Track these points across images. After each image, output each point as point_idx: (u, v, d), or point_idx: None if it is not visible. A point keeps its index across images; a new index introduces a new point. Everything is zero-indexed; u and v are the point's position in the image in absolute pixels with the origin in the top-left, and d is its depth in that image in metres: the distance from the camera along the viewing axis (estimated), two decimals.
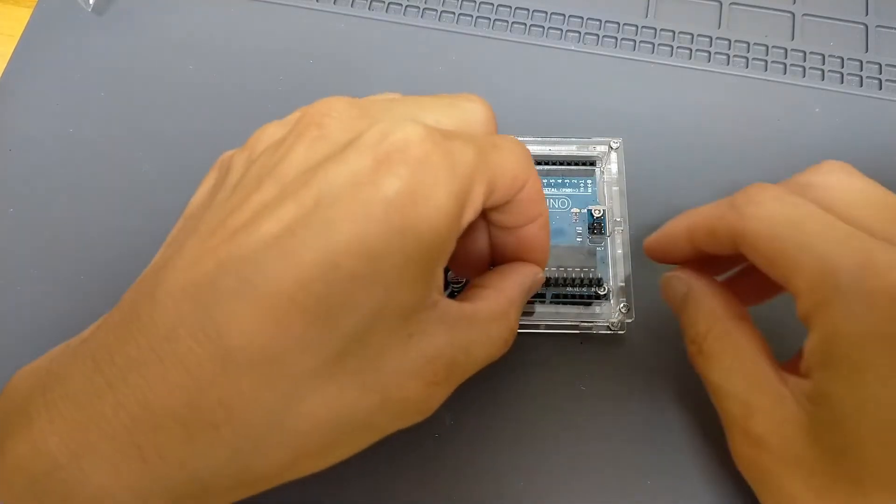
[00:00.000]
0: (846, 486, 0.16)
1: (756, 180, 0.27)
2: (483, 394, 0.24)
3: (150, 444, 0.14)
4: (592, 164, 0.25)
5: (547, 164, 0.25)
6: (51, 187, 0.28)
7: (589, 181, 0.25)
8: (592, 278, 0.24)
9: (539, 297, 0.23)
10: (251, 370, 0.14)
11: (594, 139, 0.25)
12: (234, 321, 0.13)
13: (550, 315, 0.23)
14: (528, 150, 0.18)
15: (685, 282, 0.21)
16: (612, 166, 0.25)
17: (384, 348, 0.15)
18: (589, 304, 0.24)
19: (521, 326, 0.24)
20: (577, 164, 0.25)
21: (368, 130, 0.15)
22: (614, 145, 0.25)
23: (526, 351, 0.24)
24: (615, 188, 0.25)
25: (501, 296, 0.19)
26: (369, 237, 0.14)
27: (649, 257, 0.22)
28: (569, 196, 0.25)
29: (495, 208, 0.18)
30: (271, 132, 0.17)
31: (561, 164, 0.25)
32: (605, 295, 0.23)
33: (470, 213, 0.16)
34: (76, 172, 0.28)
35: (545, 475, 0.23)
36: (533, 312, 0.23)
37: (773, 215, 0.18)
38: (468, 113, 0.18)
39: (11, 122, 0.29)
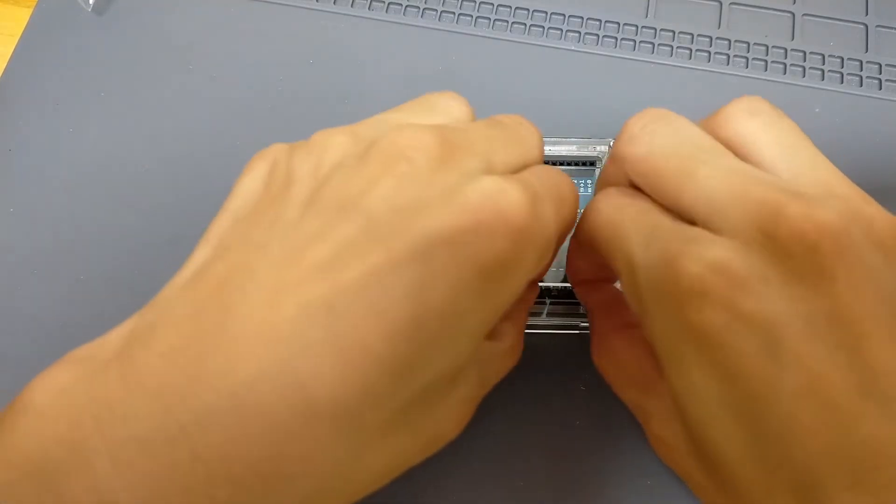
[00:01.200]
0: (713, 467, 0.16)
1: None
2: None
3: (224, 495, 0.13)
4: (592, 164, 0.25)
5: (547, 164, 0.25)
6: (51, 187, 0.28)
7: (589, 181, 0.25)
8: None
9: (539, 297, 0.23)
10: (331, 423, 0.13)
11: (594, 139, 0.25)
12: (318, 372, 0.13)
13: (550, 315, 0.23)
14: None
15: (584, 299, 0.22)
16: None
17: (436, 397, 0.15)
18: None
19: None
20: (577, 164, 0.25)
21: (469, 187, 0.14)
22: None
23: (526, 351, 0.24)
24: None
25: (516, 328, 0.19)
26: (458, 301, 0.14)
27: (573, 285, 0.22)
28: None
29: None
30: (341, 143, 0.16)
31: (561, 164, 0.25)
32: None
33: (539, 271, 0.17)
34: (76, 172, 0.28)
35: (545, 475, 0.23)
36: (541, 314, 0.23)
37: (604, 221, 0.18)
38: (533, 150, 0.18)
39: (11, 122, 0.29)
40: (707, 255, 0.14)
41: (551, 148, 0.25)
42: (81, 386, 0.14)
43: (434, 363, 0.14)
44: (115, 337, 0.15)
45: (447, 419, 0.16)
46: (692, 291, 0.14)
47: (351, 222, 0.14)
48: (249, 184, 0.17)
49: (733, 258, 0.14)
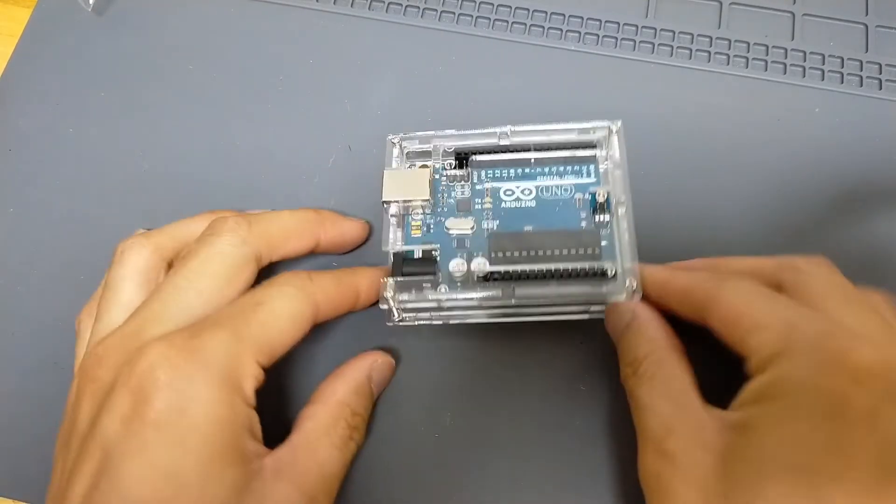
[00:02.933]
0: None
1: (756, 180, 0.27)
2: (482, 394, 0.24)
3: None
4: (593, 147, 0.25)
5: (548, 149, 0.25)
6: (51, 187, 0.28)
7: (591, 167, 0.25)
8: (597, 255, 0.23)
9: (541, 277, 0.23)
10: None
11: (594, 123, 0.25)
12: None
13: (557, 297, 0.23)
14: (309, 283, 0.21)
15: (631, 309, 0.22)
16: (613, 151, 0.24)
17: None
18: (595, 281, 0.23)
19: (526, 314, 0.23)
20: (577, 148, 0.25)
21: (122, 369, 0.17)
22: (614, 128, 0.25)
23: (525, 351, 0.24)
24: (617, 171, 0.24)
25: (326, 408, 0.21)
26: (159, 464, 0.16)
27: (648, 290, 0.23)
28: (572, 184, 0.24)
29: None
30: (93, 392, 0.19)
31: (561, 149, 0.25)
32: (612, 276, 0.22)
33: (250, 383, 0.19)
34: (76, 172, 0.28)
35: (545, 475, 0.23)
36: (512, 296, 0.23)
37: (748, 289, 0.20)
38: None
39: (11, 122, 0.29)
40: (879, 352, 0.17)
41: (551, 137, 0.25)
42: None
43: None
44: None
45: None
46: (859, 373, 0.17)
47: (85, 455, 0.17)
48: (68, 408, 0.20)
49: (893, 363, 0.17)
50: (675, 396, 0.19)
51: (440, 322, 0.24)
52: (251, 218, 0.22)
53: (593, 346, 0.24)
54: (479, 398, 0.24)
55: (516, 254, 0.23)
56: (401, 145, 0.25)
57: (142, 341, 0.18)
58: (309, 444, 0.20)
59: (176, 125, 0.29)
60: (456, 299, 0.23)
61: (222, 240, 0.21)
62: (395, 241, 0.24)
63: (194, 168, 0.28)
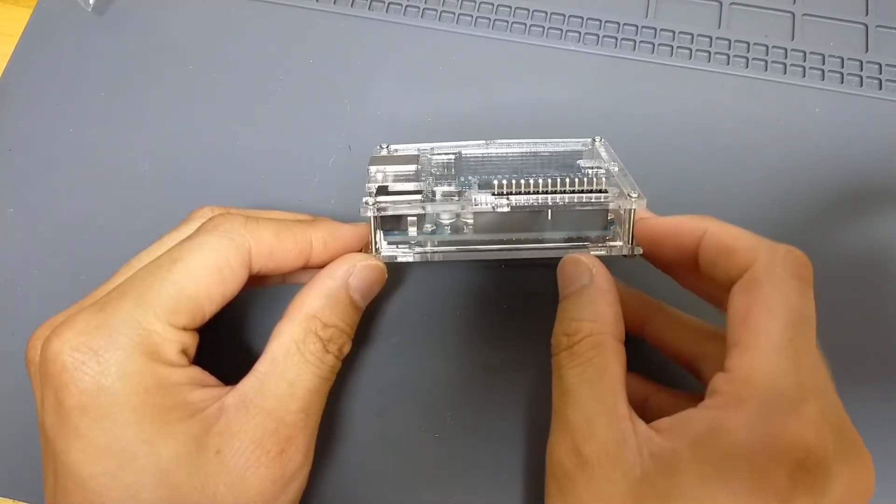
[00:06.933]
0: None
1: (756, 180, 0.27)
2: (483, 393, 0.24)
3: None
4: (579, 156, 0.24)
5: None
6: (51, 187, 0.28)
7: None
8: (591, 174, 0.21)
9: (536, 193, 0.21)
10: None
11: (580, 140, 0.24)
12: None
13: (553, 207, 0.21)
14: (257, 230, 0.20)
15: (590, 272, 0.20)
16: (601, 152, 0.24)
17: (213, 475, 0.18)
18: (595, 193, 0.21)
19: (521, 246, 0.22)
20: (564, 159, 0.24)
21: (40, 359, 0.18)
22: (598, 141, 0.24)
23: (525, 349, 0.24)
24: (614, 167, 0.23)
25: (293, 324, 0.20)
26: (97, 442, 0.17)
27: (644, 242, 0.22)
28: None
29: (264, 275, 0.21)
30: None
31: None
32: (607, 186, 0.21)
33: (171, 346, 0.18)
34: (76, 172, 0.28)
35: (544, 474, 0.23)
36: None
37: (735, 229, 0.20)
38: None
39: (11, 122, 0.29)
40: (820, 440, 0.17)
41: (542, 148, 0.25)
42: None
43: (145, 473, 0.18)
44: None
45: (256, 467, 0.18)
46: (798, 468, 0.16)
47: (48, 454, 0.18)
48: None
49: None
50: (604, 393, 0.18)
51: (432, 249, 0.22)
52: (241, 211, 0.22)
53: None
54: (478, 397, 0.24)
55: (513, 181, 0.21)
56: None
57: (52, 326, 0.19)
58: (276, 365, 0.19)
59: (176, 125, 0.29)
60: (445, 213, 0.21)
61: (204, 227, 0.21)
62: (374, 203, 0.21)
63: (194, 168, 0.28)
